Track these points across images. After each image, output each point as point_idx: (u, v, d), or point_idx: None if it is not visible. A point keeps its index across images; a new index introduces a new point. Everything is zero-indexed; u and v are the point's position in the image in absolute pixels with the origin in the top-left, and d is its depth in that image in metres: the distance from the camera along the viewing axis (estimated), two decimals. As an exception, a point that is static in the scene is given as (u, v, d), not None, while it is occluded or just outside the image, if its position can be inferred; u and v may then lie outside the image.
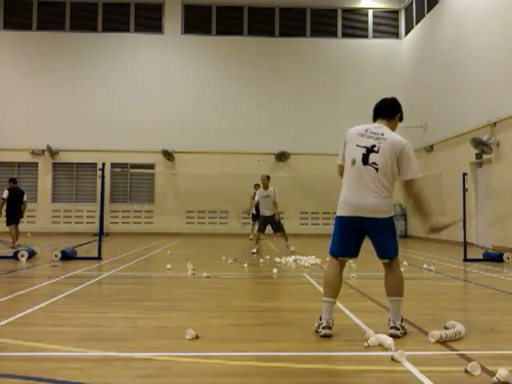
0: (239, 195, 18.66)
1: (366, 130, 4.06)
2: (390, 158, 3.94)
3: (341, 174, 4.21)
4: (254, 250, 11.60)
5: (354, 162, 4.00)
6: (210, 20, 21.72)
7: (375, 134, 4.02)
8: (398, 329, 3.96)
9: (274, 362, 3.32)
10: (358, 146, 4.01)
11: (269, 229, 12.49)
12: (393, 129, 4.16)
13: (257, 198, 12.40)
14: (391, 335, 3.83)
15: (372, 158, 3.95)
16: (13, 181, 13.35)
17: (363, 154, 3.97)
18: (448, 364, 3.35)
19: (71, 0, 21.45)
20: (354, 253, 4.13)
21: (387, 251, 4.04)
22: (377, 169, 3.93)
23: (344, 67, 21.32)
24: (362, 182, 3.95)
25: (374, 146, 3.96)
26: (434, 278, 7.75)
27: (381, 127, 4.08)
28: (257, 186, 17.64)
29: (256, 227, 17.49)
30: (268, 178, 12.47)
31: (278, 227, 12.32)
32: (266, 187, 12.31)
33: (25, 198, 13.38)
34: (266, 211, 12.22)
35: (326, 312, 3.99)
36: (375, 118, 4.22)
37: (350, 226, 4.03)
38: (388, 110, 4.19)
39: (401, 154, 3.94)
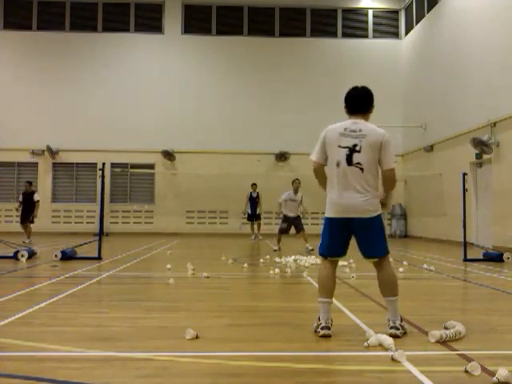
0: (239, 195, 18.65)
1: (345, 129, 4.05)
2: (373, 152, 3.98)
3: (316, 170, 4.17)
4: (275, 248, 12.26)
5: (338, 164, 4.01)
6: (210, 20, 21.72)
7: (354, 131, 4.02)
8: (398, 328, 3.96)
9: (273, 361, 3.32)
10: (340, 146, 4.02)
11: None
12: (367, 120, 4.15)
13: (280, 199, 12.56)
14: (391, 335, 3.83)
15: (356, 158, 3.97)
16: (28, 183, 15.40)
17: (347, 155, 3.99)
18: (448, 364, 3.35)
19: (71, 0, 21.46)
20: (342, 252, 4.14)
21: (376, 250, 4.05)
22: (362, 169, 3.97)
23: (344, 67, 21.31)
24: (347, 183, 3.98)
25: (356, 145, 3.98)
26: (434, 278, 7.75)
27: (357, 123, 4.07)
28: (253, 186, 17.69)
29: (255, 227, 17.63)
30: (300, 182, 12.65)
31: (301, 228, 12.53)
32: (296, 191, 12.44)
33: (36, 198, 14.96)
34: (289, 213, 12.41)
35: (324, 312, 3.99)
36: (351, 112, 4.15)
37: (338, 227, 4.05)
38: (364, 105, 4.16)
39: (381, 145, 3.99)
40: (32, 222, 15.06)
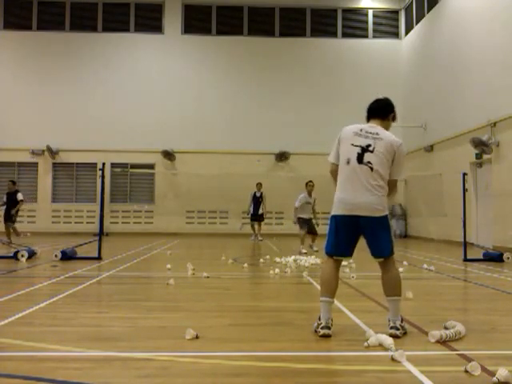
0: (239, 195, 18.66)
1: (361, 130, 4.10)
2: (385, 157, 4.00)
3: (333, 172, 4.23)
4: (304, 251, 11.67)
5: (348, 162, 4.03)
6: (210, 20, 21.72)
7: (370, 133, 4.06)
8: (398, 329, 3.96)
9: (273, 361, 3.32)
10: (352, 145, 4.05)
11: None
12: (386, 128, 4.20)
13: (298, 203, 12.48)
14: (391, 335, 3.83)
15: (367, 157, 3.99)
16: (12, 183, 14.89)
17: (358, 154, 4.01)
18: (448, 364, 3.35)
19: (71, 0, 21.46)
20: (349, 252, 4.15)
21: (382, 250, 4.06)
22: (371, 168, 3.98)
23: (344, 67, 21.32)
24: (357, 181, 3.99)
25: (369, 145, 4.01)
26: (434, 278, 7.75)
27: (375, 127, 4.13)
28: (258, 185, 17.62)
29: (256, 227, 17.60)
30: (313, 185, 12.60)
31: (312, 230, 12.47)
32: (310, 194, 12.43)
33: (20, 197, 14.43)
34: (305, 215, 12.33)
35: (325, 312, 3.99)
36: (368, 119, 4.26)
37: (345, 225, 4.05)
38: (381, 111, 4.24)
39: (396, 154, 4.04)
40: (13, 221, 14.51)
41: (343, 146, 4.11)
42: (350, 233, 4.06)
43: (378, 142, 4.01)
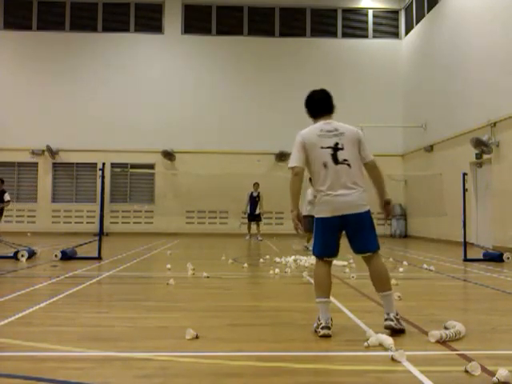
0: (239, 195, 18.64)
1: (321, 130, 4.10)
2: (354, 149, 4.07)
3: (299, 173, 4.10)
4: (308, 245, 11.69)
5: (326, 165, 4.02)
6: (210, 20, 21.72)
7: (330, 131, 4.08)
8: (393, 320, 3.96)
9: (273, 361, 3.32)
10: (322, 148, 4.04)
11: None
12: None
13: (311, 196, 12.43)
14: (386, 327, 3.88)
15: (340, 155, 4.03)
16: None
17: (331, 155, 4.03)
18: (448, 364, 3.35)
19: (71, 0, 21.46)
20: (336, 252, 4.15)
21: (370, 244, 4.07)
22: (349, 165, 4.02)
23: (344, 67, 21.30)
24: (338, 182, 4.01)
25: (337, 143, 4.04)
26: (434, 278, 7.75)
27: (329, 123, 4.14)
28: (255, 185, 17.61)
29: (255, 227, 17.56)
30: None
31: (311, 228, 12.32)
32: None
33: (6, 198, 14.10)
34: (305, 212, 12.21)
35: (324, 312, 4.00)
36: (316, 116, 4.23)
37: (331, 226, 4.07)
38: (332, 106, 4.26)
39: (359, 141, 4.12)
40: None
41: (313, 152, 4.05)
42: (336, 233, 4.09)
43: (342, 137, 4.05)
